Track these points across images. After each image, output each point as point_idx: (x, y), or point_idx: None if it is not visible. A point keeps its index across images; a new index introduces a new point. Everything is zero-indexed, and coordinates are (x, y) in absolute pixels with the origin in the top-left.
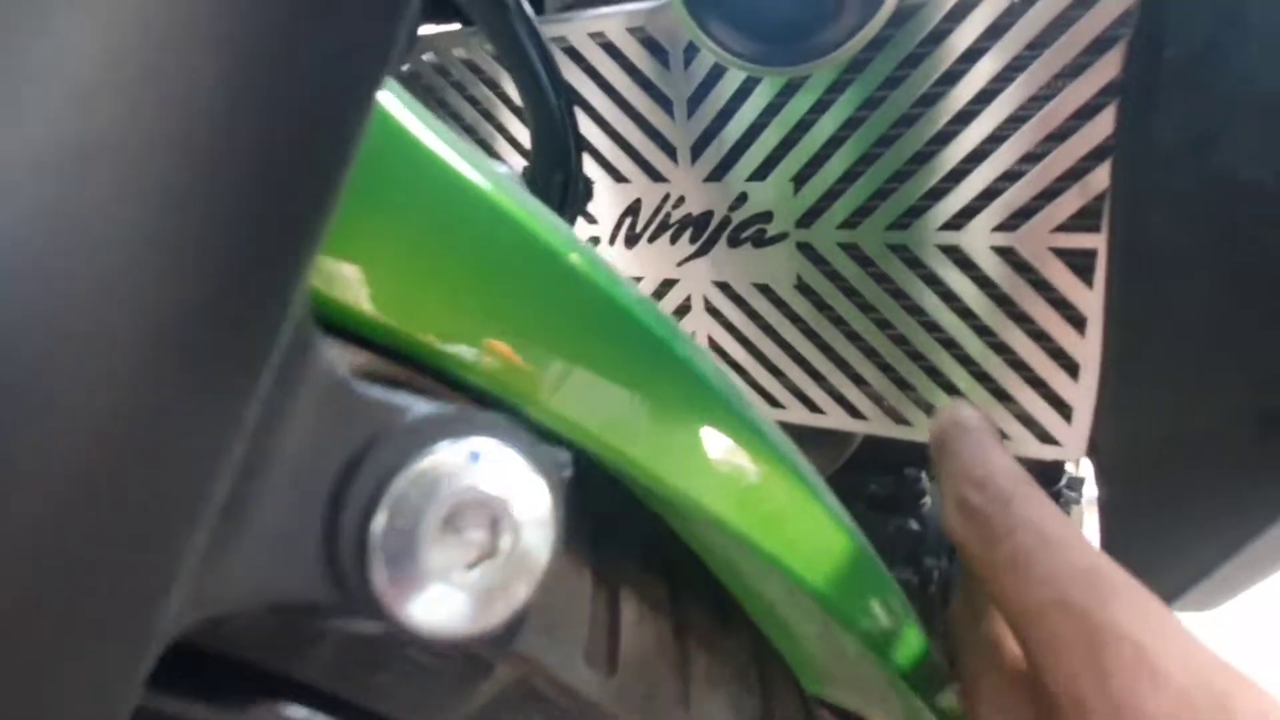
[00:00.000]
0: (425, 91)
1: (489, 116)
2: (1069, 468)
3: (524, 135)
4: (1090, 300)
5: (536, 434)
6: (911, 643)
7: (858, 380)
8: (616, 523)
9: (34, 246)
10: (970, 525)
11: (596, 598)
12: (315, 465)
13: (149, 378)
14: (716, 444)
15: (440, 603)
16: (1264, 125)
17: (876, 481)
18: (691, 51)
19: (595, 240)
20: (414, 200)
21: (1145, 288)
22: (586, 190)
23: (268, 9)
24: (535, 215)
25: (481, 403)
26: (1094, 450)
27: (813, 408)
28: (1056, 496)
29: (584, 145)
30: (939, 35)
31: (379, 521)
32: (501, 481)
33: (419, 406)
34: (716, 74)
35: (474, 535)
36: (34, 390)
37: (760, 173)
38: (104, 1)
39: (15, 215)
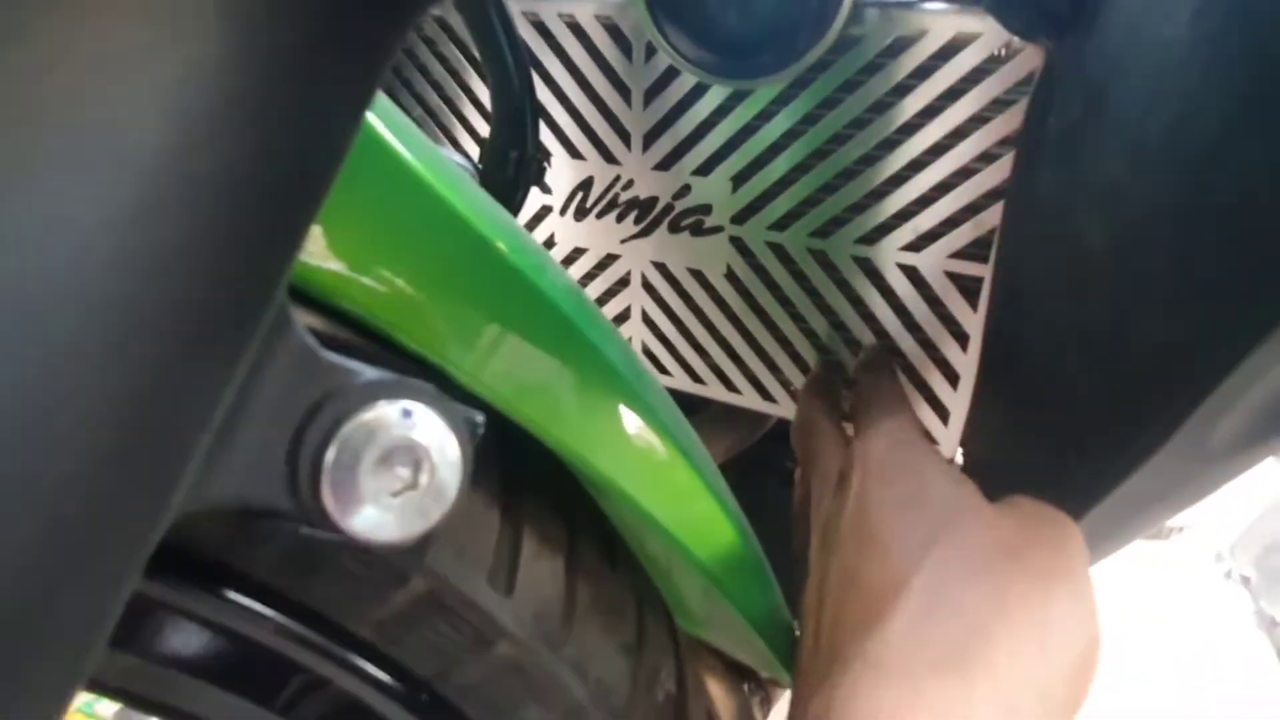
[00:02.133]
0: None
1: (455, 75)
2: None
3: (488, 98)
4: (974, 321)
5: (460, 397)
6: (773, 612)
7: (772, 366)
8: (527, 472)
9: (113, 259)
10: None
11: (502, 532)
12: (285, 408)
13: (178, 341)
14: (618, 422)
15: (372, 518)
16: (1101, 202)
17: (792, 459)
18: (653, 48)
19: (547, 209)
20: (378, 198)
21: (1014, 319)
22: (539, 170)
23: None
24: (478, 209)
25: (420, 366)
26: (963, 446)
27: (730, 387)
28: None
29: (544, 119)
30: (874, 67)
31: (329, 455)
32: (424, 434)
33: (367, 372)
34: (673, 72)
35: (401, 471)
36: (109, 349)
37: (704, 169)
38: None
39: (99, 221)
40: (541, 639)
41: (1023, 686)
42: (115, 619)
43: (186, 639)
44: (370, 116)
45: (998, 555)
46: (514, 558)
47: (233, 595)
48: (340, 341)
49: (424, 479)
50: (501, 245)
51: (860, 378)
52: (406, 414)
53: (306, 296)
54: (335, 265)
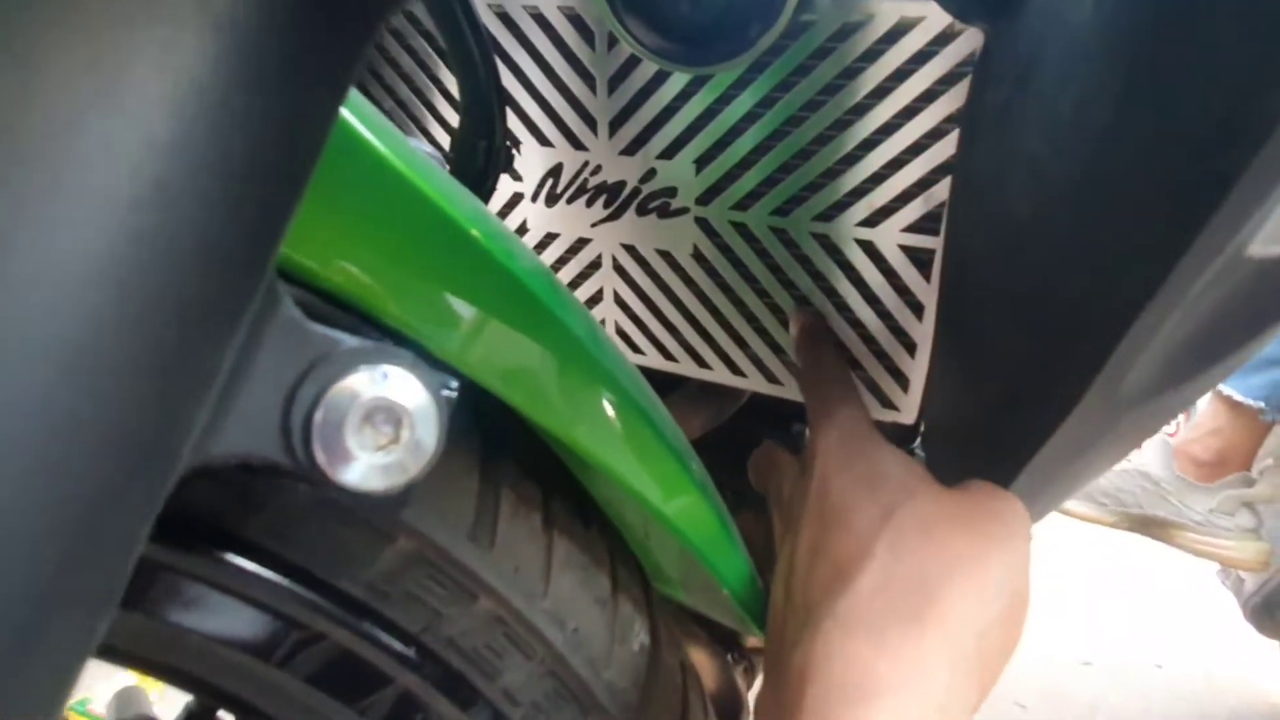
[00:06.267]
0: None
1: (424, 67)
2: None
3: (457, 89)
4: (928, 291)
5: (435, 365)
6: (747, 575)
7: (740, 342)
8: (504, 440)
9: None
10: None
11: (482, 493)
12: (278, 374)
13: (180, 315)
14: (586, 394)
15: (359, 471)
16: (1026, 174)
17: (769, 435)
18: (615, 37)
19: (519, 196)
20: (354, 187)
21: (960, 286)
22: (508, 157)
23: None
24: (448, 195)
25: (399, 340)
26: (923, 413)
27: (701, 363)
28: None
29: (513, 108)
30: (825, 51)
31: (319, 415)
32: (402, 395)
33: (349, 341)
34: (636, 60)
35: (383, 429)
36: (121, 322)
37: (668, 152)
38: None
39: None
40: (520, 592)
41: (965, 630)
42: (129, 575)
43: (189, 600)
44: (344, 111)
45: (946, 521)
46: (493, 517)
47: (232, 558)
48: (328, 317)
49: (404, 435)
50: (473, 230)
51: (803, 350)
52: (385, 377)
53: (300, 279)
54: (319, 250)
